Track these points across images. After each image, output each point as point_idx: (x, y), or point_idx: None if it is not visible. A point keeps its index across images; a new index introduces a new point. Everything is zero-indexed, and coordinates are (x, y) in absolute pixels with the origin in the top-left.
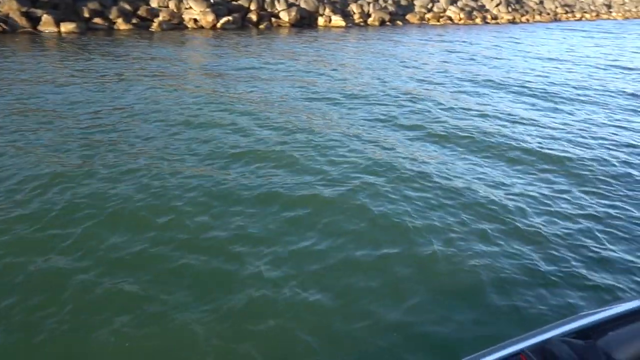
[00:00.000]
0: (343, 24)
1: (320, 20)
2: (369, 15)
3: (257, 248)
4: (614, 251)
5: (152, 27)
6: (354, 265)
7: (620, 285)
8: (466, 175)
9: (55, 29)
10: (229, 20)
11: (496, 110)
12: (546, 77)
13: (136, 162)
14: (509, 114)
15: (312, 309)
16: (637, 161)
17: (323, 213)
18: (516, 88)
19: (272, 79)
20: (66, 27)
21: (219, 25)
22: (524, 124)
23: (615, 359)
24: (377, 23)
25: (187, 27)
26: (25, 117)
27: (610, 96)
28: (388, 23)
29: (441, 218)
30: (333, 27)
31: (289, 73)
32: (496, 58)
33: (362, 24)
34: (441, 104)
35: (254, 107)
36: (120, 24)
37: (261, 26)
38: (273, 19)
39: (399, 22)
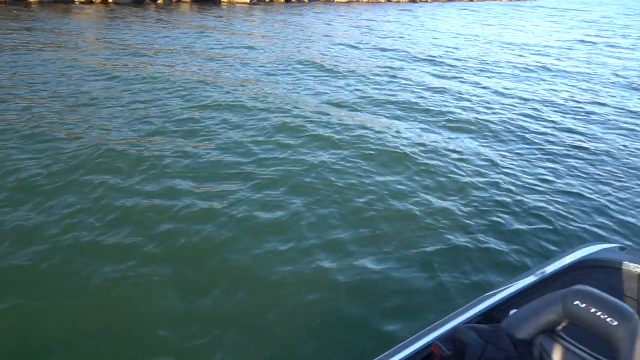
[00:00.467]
0: (247, 0)
1: None
2: None
3: (197, 227)
4: (515, 197)
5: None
6: (290, 233)
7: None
8: (386, 136)
9: None
10: None
11: (408, 80)
12: (449, 50)
13: (44, 142)
14: (419, 83)
15: (274, 282)
16: (528, 123)
17: (260, 187)
18: (425, 60)
19: (180, 52)
20: None
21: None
22: (435, 91)
23: (518, 337)
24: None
25: (73, 2)
26: None
27: (502, 67)
28: (294, 0)
29: (361, 177)
30: (237, 3)
31: (199, 47)
32: (404, 33)
33: (267, 0)
34: (358, 75)
35: (162, 81)
36: None
37: (159, 1)
38: None
39: (305, 0)
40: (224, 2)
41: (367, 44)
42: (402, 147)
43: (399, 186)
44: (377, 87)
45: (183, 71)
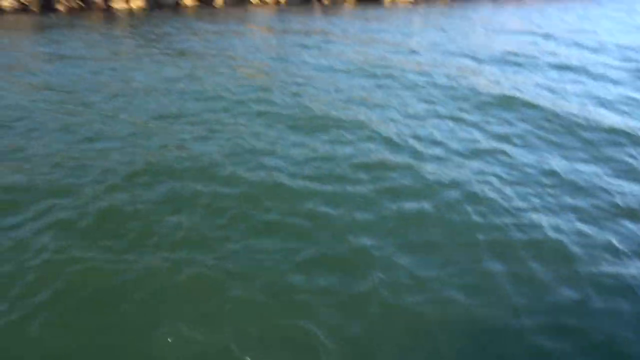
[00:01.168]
0: None
1: None
2: None
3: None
4: None
5: (216, 3)
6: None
7: None
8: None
9: (126, 6)
10: None
11: (598, 72)
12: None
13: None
14: (606, 76)
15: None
16: None
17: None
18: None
19: (326, 58)
20: (135, 3)
21: (282, 0)
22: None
23: None
24: None
25: (250, 3)
26: (102, 88)
27: None
28: None
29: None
30: (400, 2)
31: (350, 50)
32: (588, 27)
33: None
34: (550, 66)
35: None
36: (186, 1)
37: (325, 1)
38: None
39: None
40: (387, 1)
41: (556, 38)
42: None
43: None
44: (565, 77)
45: (326, 77)
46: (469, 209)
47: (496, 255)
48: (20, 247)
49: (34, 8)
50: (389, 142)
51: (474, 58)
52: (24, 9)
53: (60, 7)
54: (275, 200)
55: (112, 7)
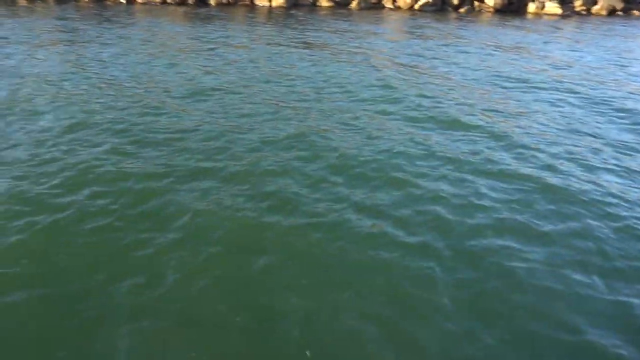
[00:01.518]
0: (559, 11)
1: (531, 7)
2: (594, 3)
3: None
4: None
5: (351, 5)
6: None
7: None
8: None
9: (268, 3)
10: (427, 2)
11: None
12: None
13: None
14: None
15: None
16: None
17: None
18: None
19: (461, 64)
20: (276, 1)
21: (417, 6)
22: None
23: None
24: (604, 12)
25: (384, 7)
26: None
27: None
28: (620, 13)
29: None
30: (546, 14)
31: (483, 61)
32: None
33: (584, 12)
34: None
35: (439, 90)
36: (323, 1)
37: (461, 10)
38: (476, 3)
39: (636, 12)
40: (530, 12)
41: None
42: None
43: None
44: None
45: (454, 80)
46: (604, 231)
47: (634, 287)
48: (181, 205)
49: (190, 1)
50: (521, 153)
51: (634, 77)
52: (182, 2)
53: (211, 1)
54: (400, 197)
55: (256, 4)
